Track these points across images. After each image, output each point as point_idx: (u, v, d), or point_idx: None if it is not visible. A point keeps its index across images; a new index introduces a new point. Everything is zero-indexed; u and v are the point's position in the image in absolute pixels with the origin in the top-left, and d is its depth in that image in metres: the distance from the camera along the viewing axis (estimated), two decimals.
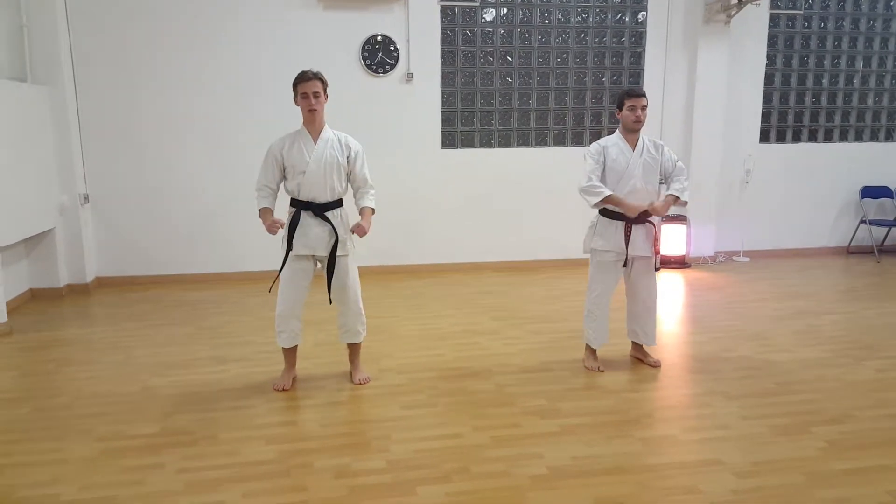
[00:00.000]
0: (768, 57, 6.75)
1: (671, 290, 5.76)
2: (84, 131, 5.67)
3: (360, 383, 3.58)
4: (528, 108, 6.43)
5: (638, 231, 3.65)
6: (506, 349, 4.15)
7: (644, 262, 3.73)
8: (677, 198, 3.63)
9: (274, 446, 2.89)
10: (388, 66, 6.02)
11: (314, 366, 3.85)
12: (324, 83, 3.37)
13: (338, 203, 3.44)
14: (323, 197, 3.38)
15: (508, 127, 6.43)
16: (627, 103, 3.60)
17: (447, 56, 6.17)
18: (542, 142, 6.52)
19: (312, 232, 3.38)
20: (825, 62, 6.92)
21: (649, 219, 3.66)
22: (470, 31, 6.19)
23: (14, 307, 5.09)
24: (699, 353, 4.08)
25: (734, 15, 6.30)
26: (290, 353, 3.58)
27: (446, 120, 6.28)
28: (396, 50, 6.00)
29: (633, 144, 3.64)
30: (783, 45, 6.80)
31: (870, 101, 7.08)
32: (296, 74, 3.40)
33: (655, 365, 3.83)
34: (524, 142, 6.48)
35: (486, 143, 6.43)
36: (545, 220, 6.52)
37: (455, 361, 3.92)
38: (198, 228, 5.99)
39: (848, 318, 4.79)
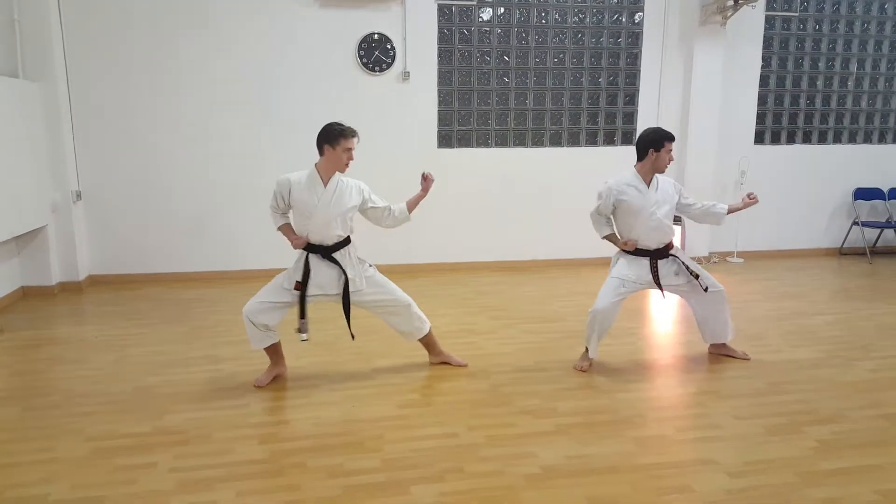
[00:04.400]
0: (764, 59, 6.78)
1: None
2: (77, 128, 5.64)
3: (462, 365, 3.78)
4: (525, 108, 6.43)
5: (664, 265, 3.73)
6: (501, 349, 4.15)
7: (679, 287, 3.79)
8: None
9: (268, 445, 2.88)
10: (384, 65, 6.01)
11: (310, 364, 3.84)
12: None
13: (345, 242, 3.49)
14: (330, 240, 3.43)
15: (505, 127, 6.43)
16: (668, 146, 3.61)
17: (444, 55, 6.17)
18: (538, 142, 6.52)
19: (323, 273, 3.46)
20: (819, 64, 6.95)
21: (672, 252, 3.75)
22: (467, 30, 6.19)
23: (5, 305, 5.06)
24: (692, 353, 4.09)
25: (730, 16, 6.31)
26: (270, 351, 3.57)
27: (443, 119, 6.27)
28: (393, 48, 5.98)
29: (649, 182, 3.69)
30: (778, 47, 6.82)
31: (863, 104, 7.11)
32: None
33: (745, 357, 3.94)
34: (521, 142, 6.49)
35: (483, 142, 6.42)
36: (542, 221, 6.53)
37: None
38: (193, 226, 5.96)
39: (840, 319, 4.81)
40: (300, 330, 3.43)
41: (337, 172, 3.43)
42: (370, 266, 3.60)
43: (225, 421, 3.12)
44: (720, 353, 4.02)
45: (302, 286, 3.41)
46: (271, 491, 2.54)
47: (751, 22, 6.58)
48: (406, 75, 6.04)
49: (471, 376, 3.69)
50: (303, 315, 3.43)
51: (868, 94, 7.10)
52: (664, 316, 5.03)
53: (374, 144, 5.67)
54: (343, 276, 3.46)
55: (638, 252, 3.71)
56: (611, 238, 3.77)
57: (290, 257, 3.55)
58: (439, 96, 6.20)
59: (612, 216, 3.79)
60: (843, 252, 7.20)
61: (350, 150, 3.36)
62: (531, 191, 6.47)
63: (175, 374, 3.73)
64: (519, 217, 6.51)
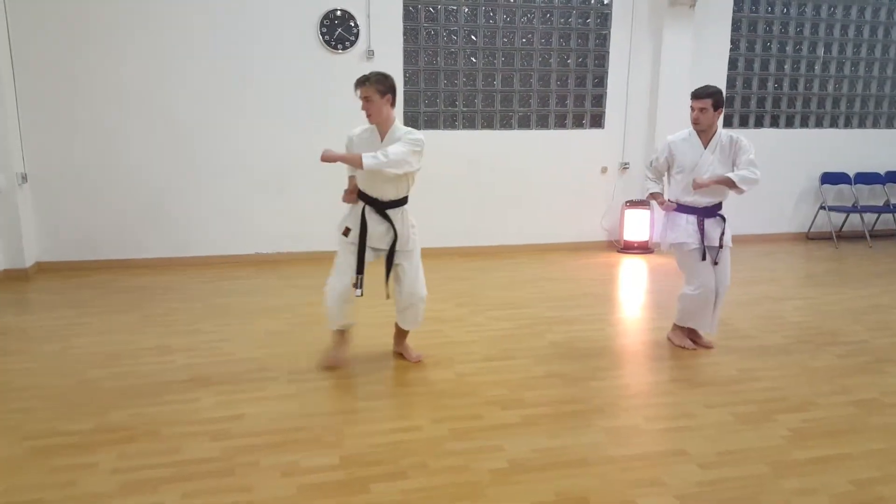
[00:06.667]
0: (732, 41, 6.72)
1: (635, 276, 5.72)
2: (22, 107, 5.29)
3: (415, 361, 3.61)
4: (493, 90, 6.27)
5: (711, 225, 3.66)
6: (468, 337, 4.03)
7: (715, 252, 3.70)
8: (733, 183, 3.55)
9: (219, 443, 2.71)
10: (347, 43, 5.77)
11: (268, 355, 3.66)
12: (378, 84, 3.25)
13: (402, 201, 3.42)
14: (387, 195, 3.36)
15: (473, 109, 6.26)
16: (691, 103, 3.62)
17: (409, 33, 5.95)
18: (506, 124, 6.38)
19: (374, 227, 3.38)
20: (787, 48, 6.93)
21: (719, 212, 3.70)
22: (433, 7, 5.98)
23: None
24: (662, 340, 4.02)
25: None
26: (339, 336, 3.51)
27: (409, 100, 6.07)
28: (356, 26, 5.75)
29: (707, 141, 3.64)
30: (747, 29, 6.78)
31: (830, 88, 7.13)
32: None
33: (708, 346, 3.84)
34: (489, 124, 6.33)
35: (450, 124, 6.25)
36: (510, 205, 6.41)
37: (415, 350, 3.77)
38: (146, 211, 5.68)
39: (809, 304, 4.80)
40: (356, 285, 3.37)
41: (397, 123, 3.35)
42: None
43: (174, 417, 2.93)
44: (689, 337, 3.95)
45: (360, 238, 3.37)
46: (220, 491, 2.38)
47: (720, 3, 6.51)
48: (370, 54, 5.82)
49: (435, 366, 3.56)
50: (360, 270, 3.36)
51: (834, 78, 7.12)
52: (634, 302, 4.97)
53: (336, 126, 5.43)
54: (391, 233, 3.38)
55: (686, 209, 3.69)
56: (654, 196, 3.78)
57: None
58: (405, 76, 5.99)
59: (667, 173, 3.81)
60: (810, 237, 7.25)
61: (362, 99, 3.26)
62: (500, 175, 6.32)
63: (122, 366, 3.51)
64: (487, 202, 6.37)
